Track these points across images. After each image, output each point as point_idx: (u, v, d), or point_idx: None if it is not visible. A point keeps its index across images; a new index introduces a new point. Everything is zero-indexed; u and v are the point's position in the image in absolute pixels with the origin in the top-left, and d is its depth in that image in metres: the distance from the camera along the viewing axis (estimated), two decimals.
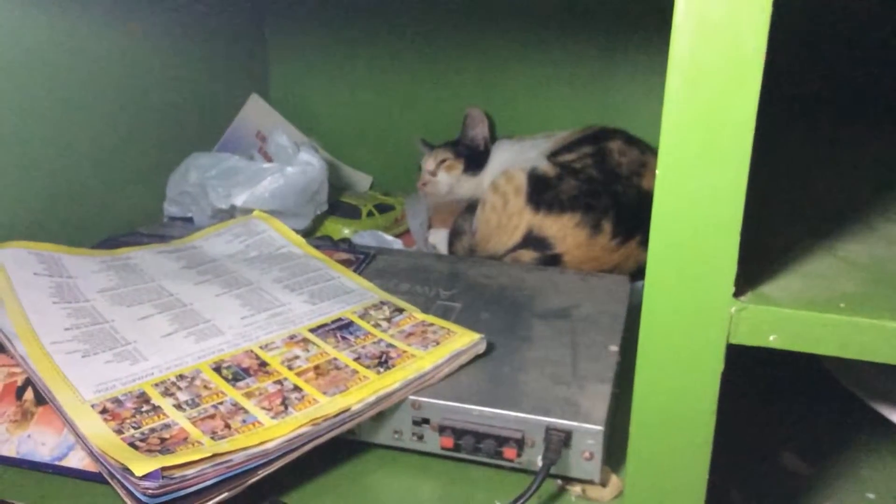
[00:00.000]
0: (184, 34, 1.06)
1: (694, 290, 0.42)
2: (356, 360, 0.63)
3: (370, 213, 1.07)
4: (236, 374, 0.61)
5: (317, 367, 0.62)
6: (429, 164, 1.06)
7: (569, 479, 0.59)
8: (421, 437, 0.60)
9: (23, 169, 0.83)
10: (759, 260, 0.47)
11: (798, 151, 0.76)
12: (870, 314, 0.41)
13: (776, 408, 0.69)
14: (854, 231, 0.53)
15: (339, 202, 1.08)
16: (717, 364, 0.43)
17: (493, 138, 1.08)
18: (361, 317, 0.69)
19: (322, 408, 0.56)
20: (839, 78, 0.94)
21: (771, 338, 0.42)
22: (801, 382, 0.72)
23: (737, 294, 0.42)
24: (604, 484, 0.58)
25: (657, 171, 0.41)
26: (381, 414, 0.60)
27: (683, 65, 0.38)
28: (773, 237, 0.52)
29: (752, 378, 0.71)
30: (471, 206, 0.97)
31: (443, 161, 1.05)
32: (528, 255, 0.86)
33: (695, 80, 0.38)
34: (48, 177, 0.86)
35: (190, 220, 1.00)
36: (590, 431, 0.55)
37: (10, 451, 0.58)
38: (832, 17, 0.91)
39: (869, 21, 0.91)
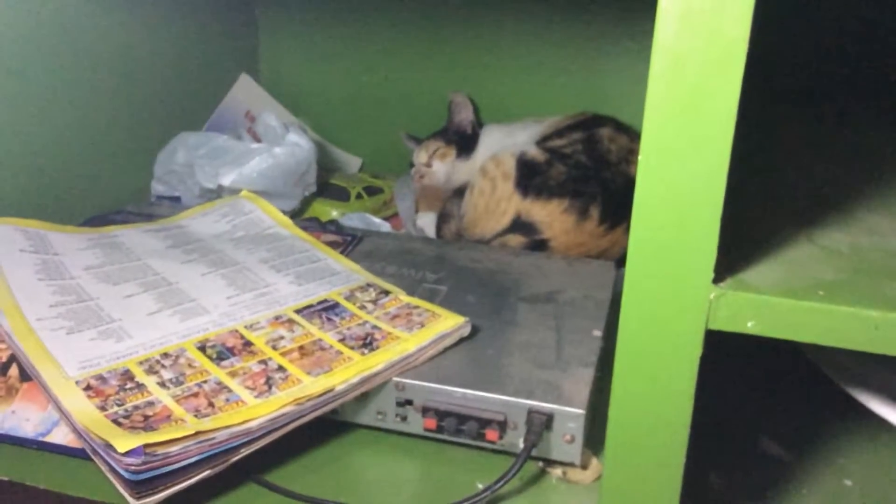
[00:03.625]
0: (174, 13, 1.05)
1: (674, 275, 0.42)
2: (341, 341, 0.63)
3: (359, 196, 1.07)
4: (221, 354, 0.61)
5: (301, 348, 0.62)
6: (421, 156, 1.06)
7: (550, 462, 0.59)
8: (404, 419, 0.60)
9: (9, 146, 0.83)
10: (739, 247, 0.47)
11: (783, 142, 0.76)
12: (848, 302, 0.42)
13: (756, 394, 0.70)
14: (835, 220, 0.53)
15: (327, 184, 1.08)
16: (695, 349, 0.43)
17: (479, 123, 1.08)
18: (347, 298, 0.70)
19: (306, 388, 0.56)
20: (826, 70, 0.94)
21: (749, 324, 0.43)
22: (780, 369, 0.73)
23: (716, 280, 0.42)
24: (584, 466, 0.59)
25: (639, 156, 0.41)
26: (365, 395, 0.60)
27: (667, 50, 0.38)
28: (754, 225, 0.52)
29: (732, 364, 0.72)
30: (459, 191, 0.97)
31: (435, 150, 1.05)
32: (515, 240, 0.87)
33: (678, 66, 0.38)
34: (35, 154, 0.86)
35: (177, 199, 1.00)
36: (571, 415, 0.56)
37: None
38: (822, 11, 0.92)
39: (856, 16, 0.92)
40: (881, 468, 0.61)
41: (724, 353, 0.68)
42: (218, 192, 0.96)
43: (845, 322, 0.41)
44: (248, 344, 0.62)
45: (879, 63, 0.92)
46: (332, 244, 0.83)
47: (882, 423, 0.58)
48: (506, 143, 0.98)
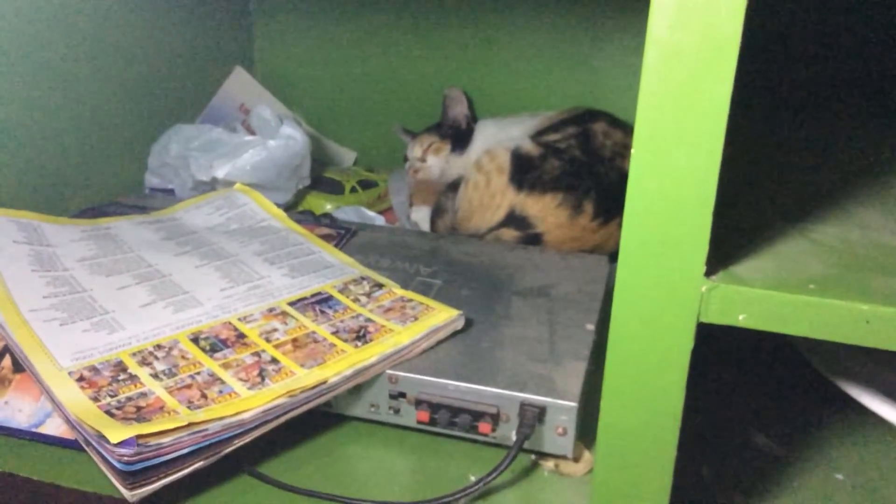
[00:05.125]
0: (168, 5, 1.05)
1: (666, 268, 0.42)
2: (334, 333, 0.63)
3: (353, 189, 1.07)
4: (214, 346, 0.61)
5: (295, 340, 0.62)
6: (416, 151, 1.06)
7: (542, 454, 0.60)
8: (397, 411, 0.60)
9: (3, 138, 0.82)
10: (731, 240, 0.47)
11: (775, 136, 0.76)
12: (838, 296, 0.42)
13: (747, 387, 0.70)
14: (827, 215, 0.54)
15: (322, 177, 1.08)
16: (687, 342, 0.44)
17: (474, 117, 1.08)
18: (341, 291, 0.70)
19: (299, 380, 0.57)
20: (822, 66, 0.94)
21: (740, 317, 0.43)
22: (771, 363, 0.73)
23: (708, 273, 0.42)
24: (576, 459, 0.59)
25: (632, 150, 0.41)
26: (358, 387, 0.60)
27: (661, 44, 0.38)
28: (746, 219, 0.52)
29: (724, 358, 0.72)
30: (453, 185, 0.97)
31: (430, 145, 1.05)
32: (509, 234, 0.87)
33: (671, 60, 0.38)
34: (29, 146, 0.86)
35: (171, 191, 1.00)
36: (563, 407, 0.56)
37: None
38: (818, 9, 0.92)
39: (852, 13, 0.92)
40: (872, 462, 0.61)
41: (716, 347, 0.68)
42: (212, 185, 0.95)
43: (836, 316, 0.42)
44: (241, 336, 0.62)
45: (873, 58, 0.92)
46: (325, 237, 0.83)
47: (873, 417, 0.58)
48: (500, 137, 0.98)
